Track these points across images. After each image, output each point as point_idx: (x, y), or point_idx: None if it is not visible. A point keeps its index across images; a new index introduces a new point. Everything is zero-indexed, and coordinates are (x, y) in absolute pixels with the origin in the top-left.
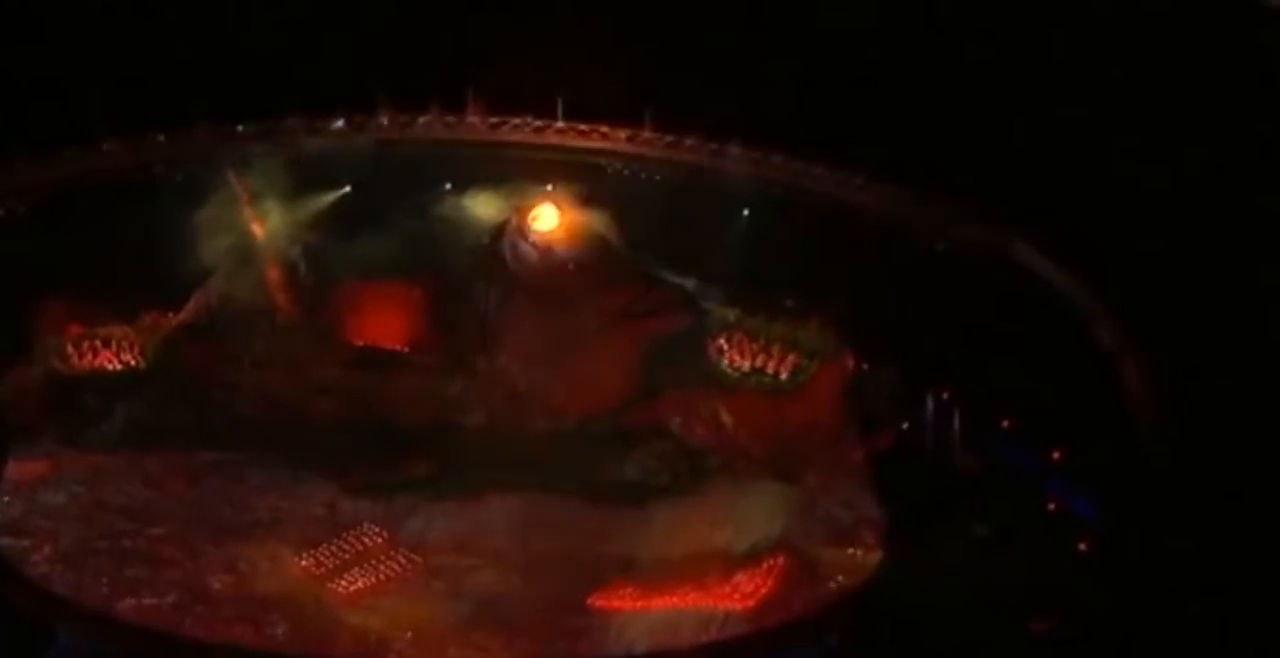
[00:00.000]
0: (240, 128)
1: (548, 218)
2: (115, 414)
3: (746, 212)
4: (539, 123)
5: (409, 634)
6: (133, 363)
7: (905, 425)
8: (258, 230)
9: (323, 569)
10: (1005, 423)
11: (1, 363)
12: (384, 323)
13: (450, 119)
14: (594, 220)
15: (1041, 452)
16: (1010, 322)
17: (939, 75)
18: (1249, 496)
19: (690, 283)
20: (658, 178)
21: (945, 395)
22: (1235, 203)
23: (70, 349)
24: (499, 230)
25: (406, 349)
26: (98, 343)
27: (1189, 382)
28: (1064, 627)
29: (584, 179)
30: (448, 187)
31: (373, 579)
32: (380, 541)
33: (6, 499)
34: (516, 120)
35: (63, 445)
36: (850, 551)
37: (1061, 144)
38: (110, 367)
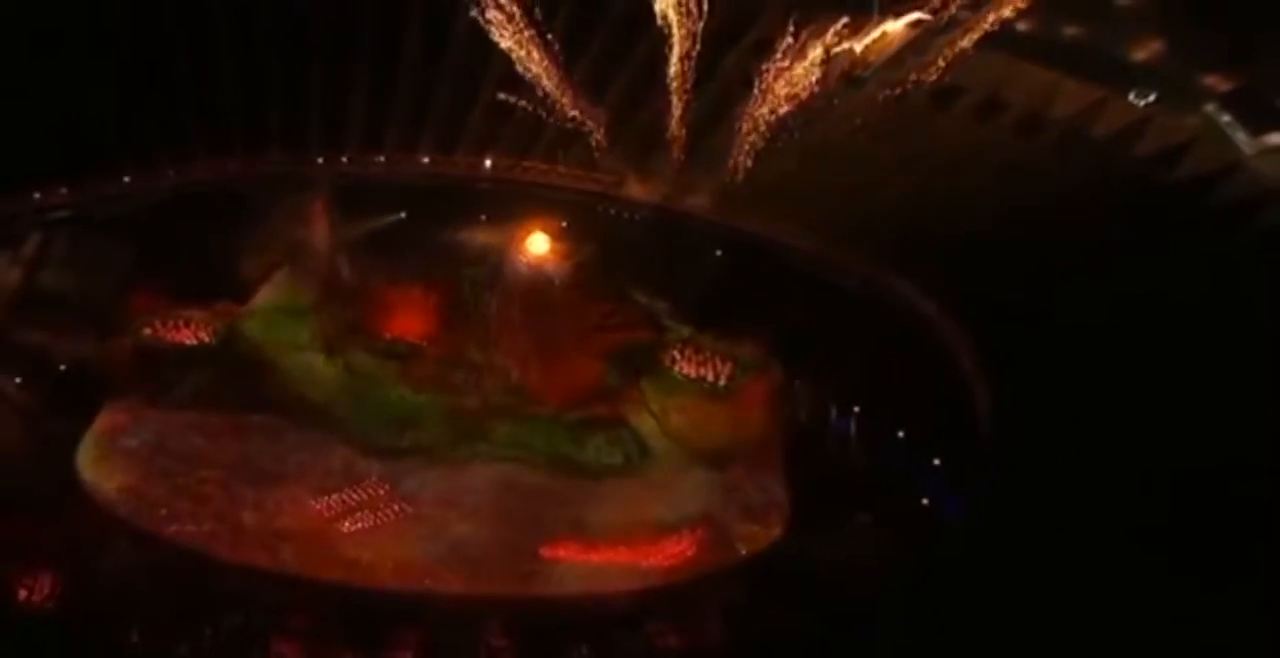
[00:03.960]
0: (307, 155)
1: (542, 245)
2: (187, 381)
3: (705, 249)
4: (544, 167)
5: (391, 566)
6: (206, 340)
7: (816, 430)
8: (314, 241)
9: (332, 512)
10: (900, 433)
11: (103, 335)
12: (407, 321)
13: (473, 160)
14: (580, 249)
15: (924, 458)
16: (907, 349)
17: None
18: (1076, 489)
19: (658, 304)
20: (637, 218)
21: (851, 407)
22: (1074, 255)
23: (157, 327)
24: (502, 253)
25: (423, 343)
26: (179, 323)
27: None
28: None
29: (576, 215)
30: (483, 218)
31: (370, 523)
32: (381, 493)
33: (93, 442)
34: (526, 164)
35: (143, 403)
36: (758, 527)
37: (948, 214)
38: (187, 343)
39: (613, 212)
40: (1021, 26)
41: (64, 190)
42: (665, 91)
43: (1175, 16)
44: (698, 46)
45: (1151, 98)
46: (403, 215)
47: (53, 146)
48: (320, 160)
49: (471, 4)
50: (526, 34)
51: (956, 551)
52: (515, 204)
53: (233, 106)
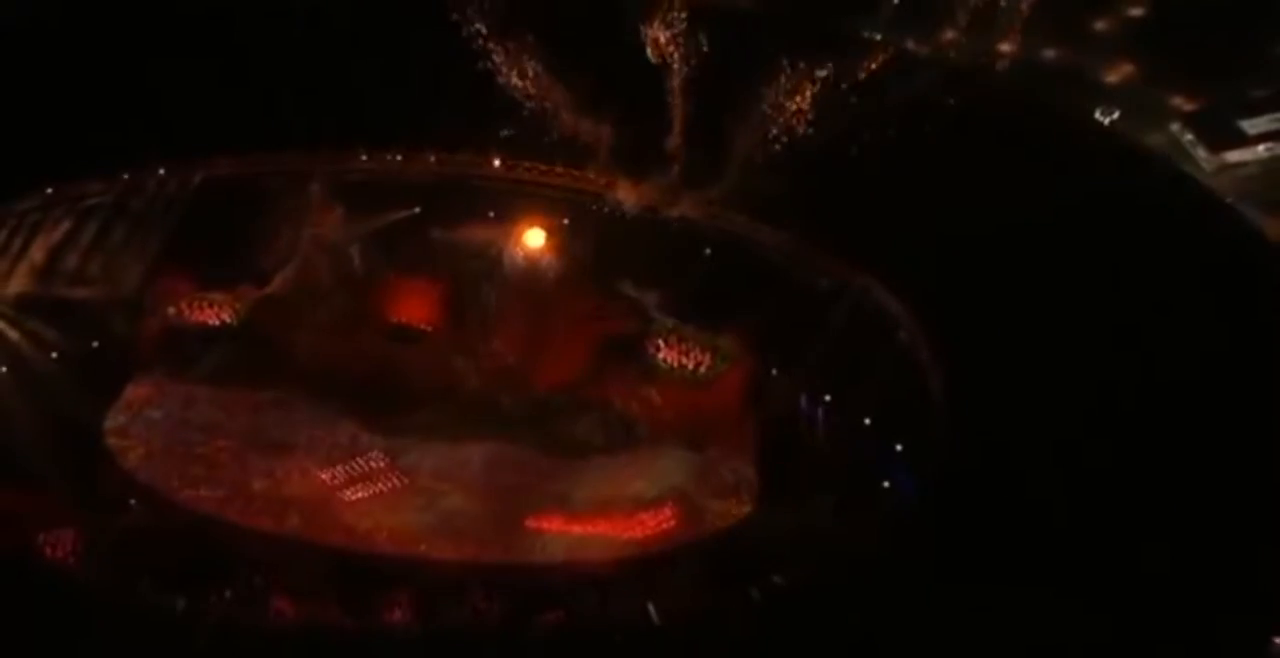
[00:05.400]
0: (321, 153)
1: (538, 240)
2: (209, 358)
3: (693, 248)
4: (543, 167)
5: (386, 533)
6: (227, 321)
7: (787, 417)
8: (329, 232)
9: (336, 482)
10: (865, 420)
11: (132, 315)
12: (413, 308)
13: (478, 160)
14: (573, 244)
15: (887, 444)
16: (873, 344)
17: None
18: (1023, 478)
19: (646, 297)
20: (627, 216)
21: (821, 396)
22: (1034, 260)
23: (183, 307)
24: (503, 247)
25: (427, 329)
26: (203, 305)
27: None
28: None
29: (571, 213)
30: (490, 215)
31: (371, 493)
32: (382, 466)
33: (120, 413)
34: (527, 164)
35: (168, 377)
36: (729, 504)
37: (917, 223)
38: (210, 323)
39: (607, 211)
40: (1003, 48)
41: (101, 182)
42: (663, 114)
43: (1144, 42)
44: (695, 80)
45: (1115, 115)
46: (417, 210)
47: (91, 144)
48: (336, 158)
49: (479, 50)
50: (532, 72)
51: (912, 530)
52: (516, 201)
53: (257, 109)
